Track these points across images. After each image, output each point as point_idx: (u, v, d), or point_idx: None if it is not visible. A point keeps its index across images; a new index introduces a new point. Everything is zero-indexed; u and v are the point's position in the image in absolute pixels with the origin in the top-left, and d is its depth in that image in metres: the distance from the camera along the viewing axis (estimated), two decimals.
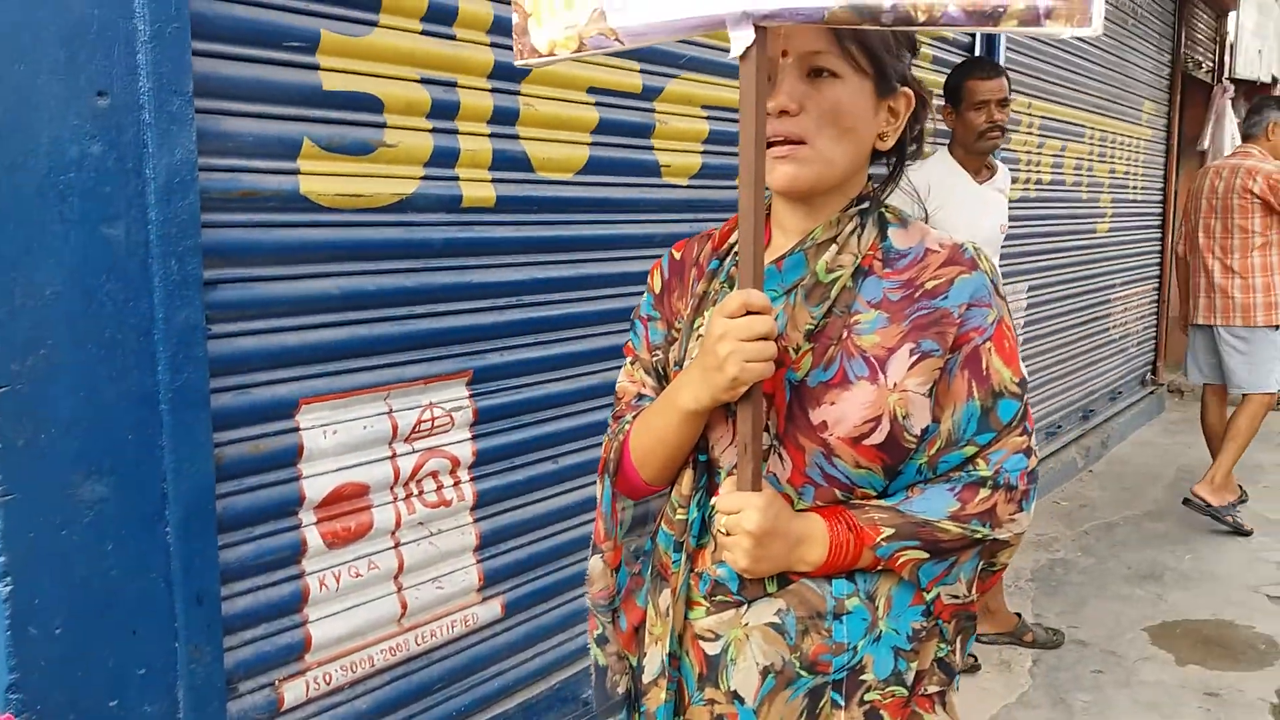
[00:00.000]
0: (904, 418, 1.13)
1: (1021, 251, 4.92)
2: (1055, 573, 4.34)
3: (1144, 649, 3.64)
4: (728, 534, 1.12)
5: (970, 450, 1.16)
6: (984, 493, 1.15)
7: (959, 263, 1.18)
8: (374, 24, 1.97)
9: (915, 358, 1.14)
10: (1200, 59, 7.71)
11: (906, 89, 1.22)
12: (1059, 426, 5.65)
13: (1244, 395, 4.82)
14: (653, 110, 2.67)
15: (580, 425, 2.54)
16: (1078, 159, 5.45)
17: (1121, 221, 6.30)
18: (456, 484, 2.26)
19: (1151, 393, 7.33)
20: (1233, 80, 7.62)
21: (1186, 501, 4.86)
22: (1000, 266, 4.57)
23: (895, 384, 1.13)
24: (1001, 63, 4.26)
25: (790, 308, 1.18)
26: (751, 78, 1.07)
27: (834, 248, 1.19)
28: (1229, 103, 7.79)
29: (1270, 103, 5.06)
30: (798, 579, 1.16)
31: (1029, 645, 3.55)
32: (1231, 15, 6.91)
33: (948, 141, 3.31)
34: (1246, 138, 5.07)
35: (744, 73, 1.08)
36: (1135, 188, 6.53)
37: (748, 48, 1.06)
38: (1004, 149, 4.51)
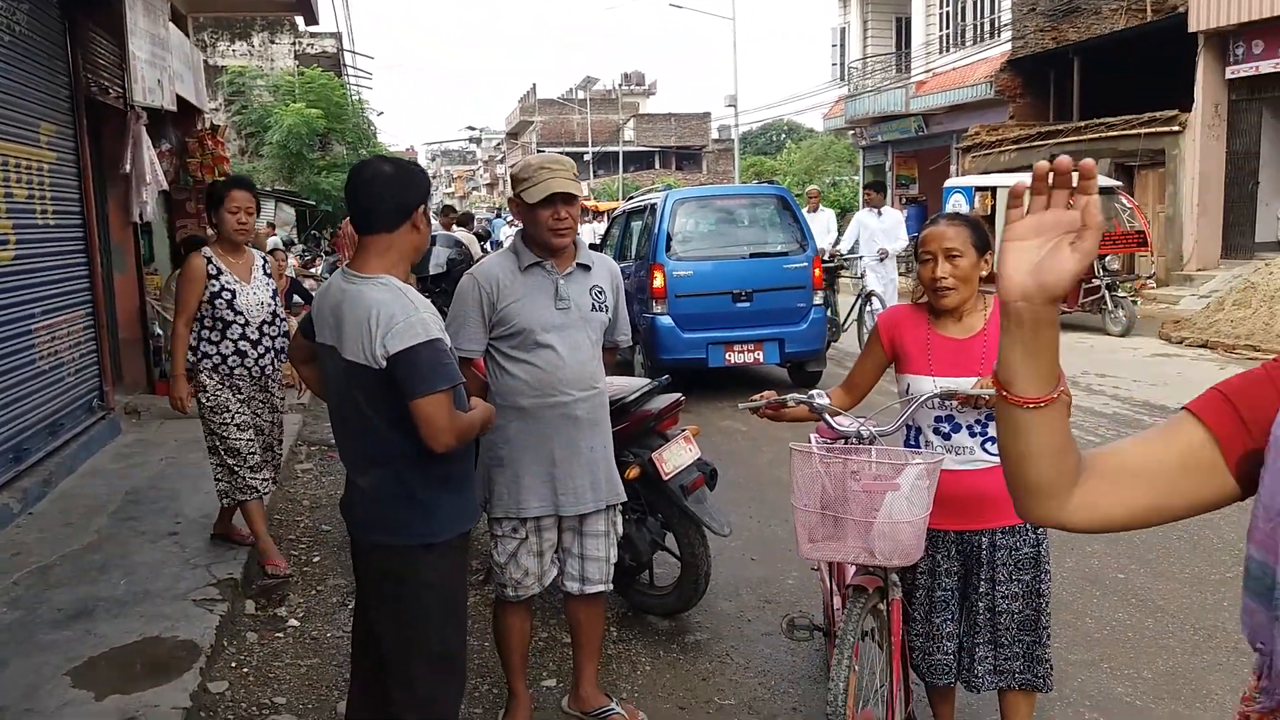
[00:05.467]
0: None
1: None
2: None
3: (65, 694, 3.51)
4: None
5: None
6: None
7: None
8: None
9: None
10: (107, 84, 7.79)
11: None
12: None
13: None
14: None
15: None
16: None
17: (33, 249, 6.00)
18: None
19: (103, 418, 7.23)
20: (145, 108, 7.86)
21: None
22: None
23: None
24: None
25: None
26: None
27: None
28: (144, 129, 8.04)
29: None
30: None
31: None
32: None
33: None
34: None
35: None
36: (45, 212, 6.29)
37: None
38: None
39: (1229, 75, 16.23)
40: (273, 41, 29.33)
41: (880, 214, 12.02)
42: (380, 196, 2.55)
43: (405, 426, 2.45)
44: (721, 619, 4.41)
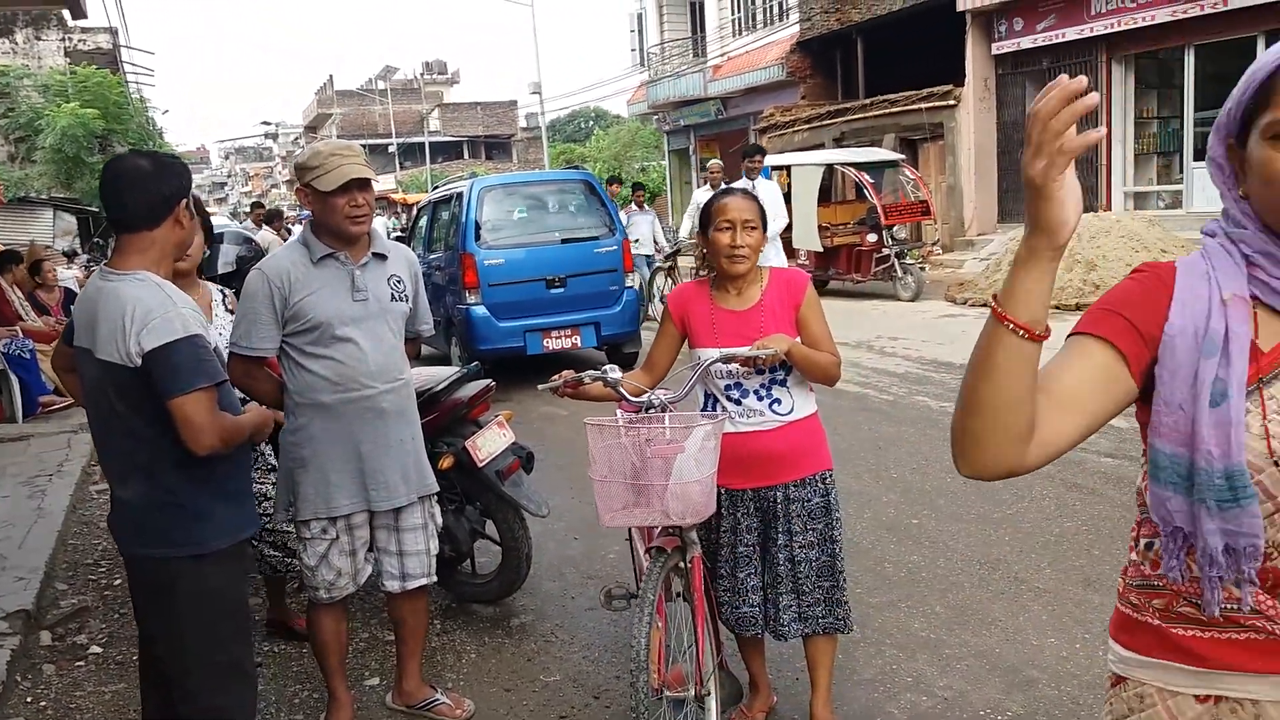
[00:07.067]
0: None
1: None
2: None
3: None
4: None
5: None
6: None
7: None
8: None
9: None
10: None
11: None
12: None
13: None
14: None
15: None
16: None
17: None
18: None
19: None
20: None
21: None
22: None
23: None
24: None
25: None
26: None
27: None
28: None
29: None
30: None
31: None
32: None
33: None
34: None
35: None
36: None
37: None
38: None
39: (995, 51, 17.48)
40: (39, 38, 27.15)
41: (754, 186, 9.68)
42: (141, 192, 2.44)
43: (166, 429, 2.34)
44: (546, 599, 4.47)
